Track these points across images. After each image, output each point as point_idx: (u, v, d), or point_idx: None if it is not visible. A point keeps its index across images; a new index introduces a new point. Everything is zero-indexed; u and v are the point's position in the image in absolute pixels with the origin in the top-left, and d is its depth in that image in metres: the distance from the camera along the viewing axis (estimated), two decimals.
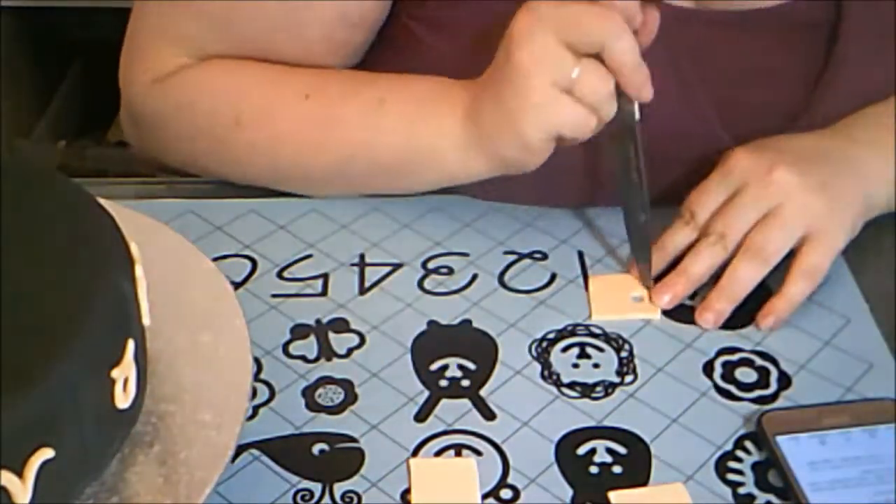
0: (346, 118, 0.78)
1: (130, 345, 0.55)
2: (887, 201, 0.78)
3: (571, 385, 0.69)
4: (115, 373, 0.54)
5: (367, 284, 0.76)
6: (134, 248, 0.59)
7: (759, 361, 0.71)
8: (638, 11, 0.70)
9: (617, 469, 0.64)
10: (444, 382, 0.69)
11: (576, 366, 0.71)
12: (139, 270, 0.59)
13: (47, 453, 0.50)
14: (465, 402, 0.68)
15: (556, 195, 0.82)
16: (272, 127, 0.80)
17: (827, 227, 0.73)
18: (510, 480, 0.64)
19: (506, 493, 0.63)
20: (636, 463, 0.64)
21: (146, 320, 0.60)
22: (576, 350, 0.72)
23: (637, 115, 0.72)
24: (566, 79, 0.69)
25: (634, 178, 0.74)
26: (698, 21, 0.78)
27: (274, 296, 0.75)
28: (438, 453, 0.65)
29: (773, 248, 0.73)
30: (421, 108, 0.76)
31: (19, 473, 0.49)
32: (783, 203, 0.73)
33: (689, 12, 0.78)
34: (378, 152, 0.78)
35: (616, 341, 0.72)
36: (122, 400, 0.55)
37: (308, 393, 0.68)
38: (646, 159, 0.73)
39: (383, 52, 0.83)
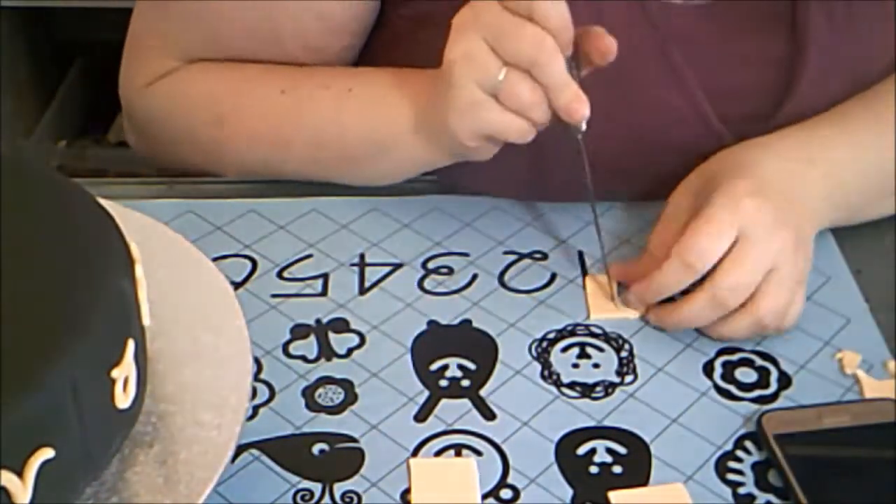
0: (317, 111, 0.80)
1: (130, 345, 0.55)
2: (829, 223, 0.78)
3: (571, 385, 0.69)
4: (115, 373, 0.54)
5: (367, 284, 0.76)
6: (134, 249, 0.59)
7: (759, 361, 0.71)
8: (569, 39, 0.69)
9: (617, 469, 0.64)
10: (444, 382, 0.69)
11: (576, 366, 0.71)
12: (139, 270, 0.59)
13: (47, 453, 0.50)
14: (465, 402, 0.68)
15: (503, 186, 0.83)
16: (250, 124, 0.82)
17: (802, 287, 0.72)
18: (510, 480, 0.64)
19: (506, 493, 0.63)
20: (636, 463, 0.64)
21: (146, 320, 0.60)
22: (576, 350, 0.72)
23: (582, 127, 0.71)
24: (490, 82, 0.69)
25: (588, 186, 0.74)
26: (679, 12, 0.78)
27: (274, 296, 0.75)
28: (438, 453, 0.65)
29: (782, 314, 0.71)
30: (384, 97, 0.78)
31: (19, 473, 0.49)
32: (781, 265, 0.69)
33: (672, 5, 0.78)
34: (346, 141, 0.80)
35: (616, 341, 0.72)
36: (122, 400, 0.55)
37: (308, 393, 0.68)
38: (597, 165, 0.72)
39: (375, 51, 0.85)
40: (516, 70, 0.69)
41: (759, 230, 0.69)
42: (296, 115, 0.81)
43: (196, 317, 0.65)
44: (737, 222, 0.69)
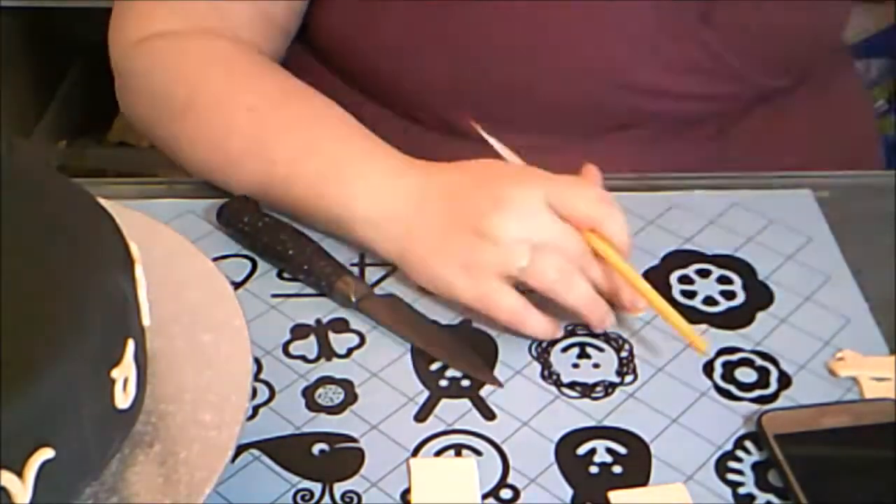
0: (272, 151, 0.78)
1: (130, 345, 0.55)
2: None
3: (571, 385, 0.69)
4: (115, 373, 0.54)
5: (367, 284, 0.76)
6: (134, 249, 0.59)
7: (759, 361, 0.71)
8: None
9: (617, 469, 0.64)
10: (444, 382, 0.69)
11: (576, 366, 0.71)
12: (139, 270, 0.59)
13: (47, 453, 0.50)
14: (465, 402, 0.68)
15: None
16: (213, 125, 0.80)
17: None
18: (510, 480, 0.64)
19: (506, 493, 0.63)
20: (636, 463, 0.64)
21: (146, 320, 0.60)
22: (576, 350, 0.72)
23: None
24: (512, 271, 0.69)
25: None
26: None
27: (274, 296, 0.75)
28: (438, 453, 0.65)
29: None
30: (341, 171, 0.75)
31: (19, 473, 0.49)
32: None
33: None
34: (293, 194, 0.77)
35: (616, 341, 0.72)
36: (122, 400, 0.55)
37: (308, 393, 0.68)
38: None
39: None
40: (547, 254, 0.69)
41: None
42: (253, 141, 0.78)
43: (196, 317, 0.65)
44: None
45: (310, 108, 0.80)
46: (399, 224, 0.73)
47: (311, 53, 0.92)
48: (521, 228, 0.69)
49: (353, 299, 0.73)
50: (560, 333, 0.72)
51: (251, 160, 0.79)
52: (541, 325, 0.71)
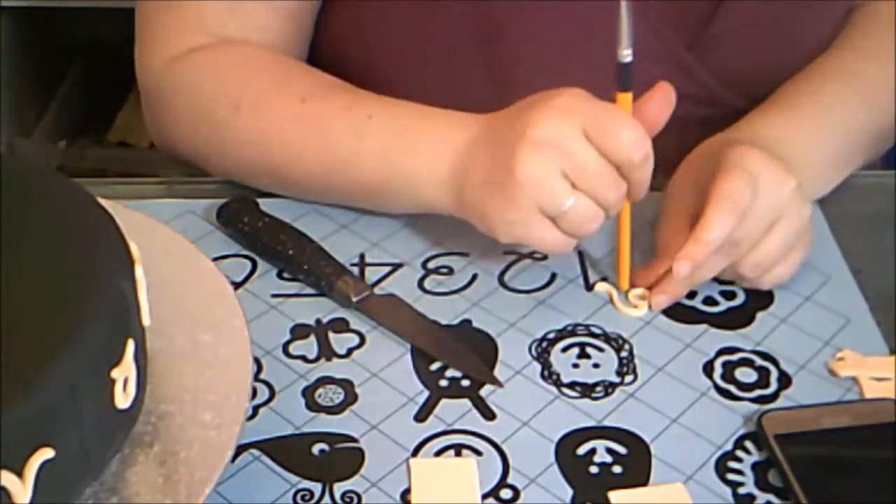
0: (334, 132, 0.78)
1: (130, 345, 0.55)
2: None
3: (571, 385, 0.69)
4: (115, 373, 0.54)
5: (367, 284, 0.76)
6: (134, 249, 0.59)
7: (759, 361, 0.71)
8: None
9: (617, 469, 0.64)
10: (444, 382, 0.69)
11: (576, 366, 0.71)
12: (139, 270, 0.59)
13: (47, 453, 0.50)
14: (465, 402, 0.68)
15: None
16: (267, 119, 0.80)
17: (806, 238, 0.74)
18: (510, 480, 0.64)
19: (506, 493, 0.63)
20: (636, 463, 0.64)
21: (146, 320, 0.60)
22: (576, 350, 0.72)
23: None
24: (556, 209, 0.69)
25: None
26: None
27: (274, 296, 0.75)
28: (438, 453, 0.65)
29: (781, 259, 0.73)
30: (405, 136, 0.76)
31: (19, 473, 0.49)
32: (784, 216, 0.72)
33: None
34: (359, 170, 0.77)
35: (616, 341, 0.72)
36: (122, 400, 0.55)
37: (308, 393, 0.68)
38: None
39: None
40: (584, 197, 0.69)
41: (768, 177, 0.71)
42: (312, 128, 0.78)
43: (196, 317, 0.65)
44: (754, 170, 0.71)
45: (355, 93, 0.81)
46: (455, 180, 0.73)
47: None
48: (557, 163, 0.68)
49: (353, 299, 0.73)
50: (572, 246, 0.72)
51: (312, 145, 0.78)
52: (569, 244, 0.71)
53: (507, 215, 0.70)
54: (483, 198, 0.71)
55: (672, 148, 0.85)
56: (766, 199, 0.71)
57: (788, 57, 0.87)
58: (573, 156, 0.68)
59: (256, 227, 0.78)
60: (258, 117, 0.80)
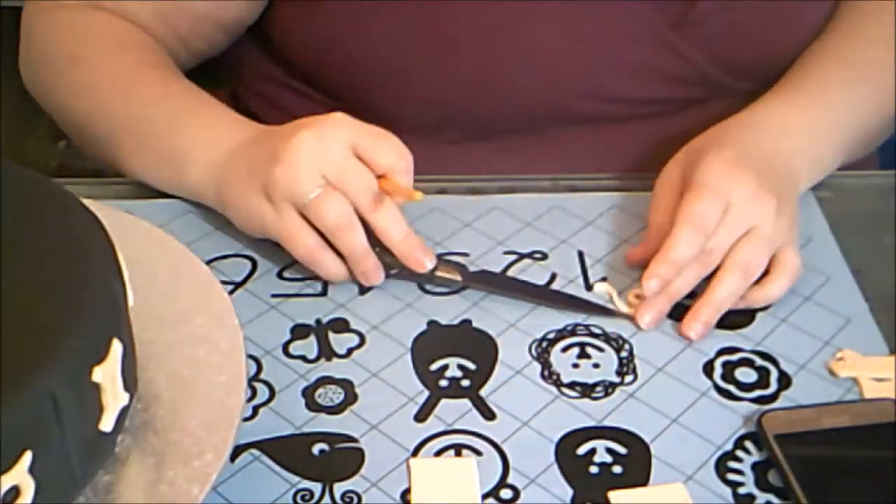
0: (140, 94, 0.82)
1: (117, 347, 0.54)
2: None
3: (571, 385, 0.69)
4: (98, 374, 0.53)
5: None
6: (119, 255, 0.58)
7: (759, 361, 0.71)
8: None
9: (617, 469, 0.64)
10: (444, 382, 0.69)
11: (576, 366, 0.71)
12: (125, 272, 0.58)
13: (31, 457, 0.49)
14: (465, 402, 0.68)
15: None
16: (93, 74, 0.84)
17: (791, 243, 0.75)
18: (510, 480, 0.64)
19: (506, 493, 0.63)
20: (636, 463, 0.64)
21: (131, 307, 0.59)
22: (576, 350, 0.72)
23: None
24: (302, 198, 0.71)
25: None
26: None
27: (274, 296, 0.75)
28: (438, 453, 0.65)
29: (758, 265, 0.73)
30: (196, 113, 0.81)
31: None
32: (762, 223, 0.73)
33: None
34: (149, 131, 0.81)
35: (616, 341, 0.72)
36: (112, 402, 0.54)
37: (308, 393, 0.68)
38: None
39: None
40: (333, 192, 0.71)
41: (741, 195, 0.73)
42: (126, 88, 0.83)
43: (192, 316, 0.65)
44: (724, 188, 0.73)
45: (182, 80, 0.85)
46: (221, 170, 0.77)
47: (280, 66, 0.94)
48: (316, 157, 0.72)
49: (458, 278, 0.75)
50: (380, 279, 0.74)
51: (117, 101, 0.83)
52: (334, 266, 0.73)
53: (263, 206, 0.73)
54: (242, 187, 0.75)
55: (669, 130, 0.86)
56: (737, 214, 0.73)
57: (778, 30, 0.87)
58: (330, 153, 0.72)
59: None
60: (87, 71, 0.84)
